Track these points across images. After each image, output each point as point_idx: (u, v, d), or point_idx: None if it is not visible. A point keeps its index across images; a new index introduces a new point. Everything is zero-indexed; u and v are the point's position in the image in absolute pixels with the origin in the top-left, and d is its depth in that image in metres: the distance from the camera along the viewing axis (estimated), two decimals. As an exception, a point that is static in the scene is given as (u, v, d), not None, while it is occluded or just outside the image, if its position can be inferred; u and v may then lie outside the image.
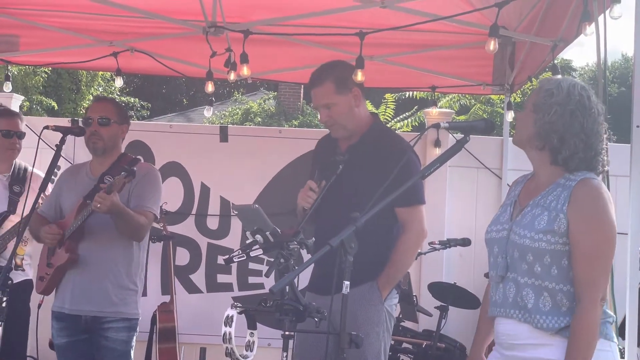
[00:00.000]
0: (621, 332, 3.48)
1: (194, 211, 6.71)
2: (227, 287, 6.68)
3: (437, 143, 6.57)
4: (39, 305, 4.47)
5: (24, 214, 4.36)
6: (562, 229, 2.79)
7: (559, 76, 3.02)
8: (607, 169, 2.97)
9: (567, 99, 2.87)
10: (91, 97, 17.93)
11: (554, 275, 2.81)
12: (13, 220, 4.99)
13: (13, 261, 4.81)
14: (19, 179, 5.12)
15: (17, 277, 4.94)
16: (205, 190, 6.71)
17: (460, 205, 6.61)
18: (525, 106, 2.98)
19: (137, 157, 4.51)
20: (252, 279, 6.65)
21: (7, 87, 6.41)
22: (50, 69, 15.50)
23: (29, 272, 5.13)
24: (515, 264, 2.88)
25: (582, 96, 2.89)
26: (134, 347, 4.41)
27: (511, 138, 3.10)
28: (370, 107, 13.34)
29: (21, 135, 5.12)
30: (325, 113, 3.96)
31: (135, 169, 4.00)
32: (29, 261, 5.15)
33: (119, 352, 4.29)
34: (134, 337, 4.39)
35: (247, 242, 3.33)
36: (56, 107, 16.60)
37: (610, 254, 2.82)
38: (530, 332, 2.84)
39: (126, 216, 4.15)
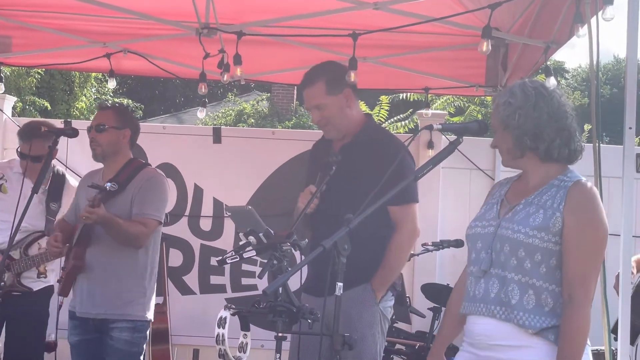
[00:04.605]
0: (614, 331, 3.49)
1: (187, 212, 6.70)
2: (220, 288, 6.67)
3: (430, 145, 6.57)
4: (59, 307, 4.58)
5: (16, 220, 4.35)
6: (557, 228, 2.81)
7: (509, 85, 3.04)
8: (582, 148, 2.98)
9: (524, 98, 2.90)
10: (84, 98, 17.90)
11: (542, 274, 2.82)
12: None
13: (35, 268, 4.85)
14: (56, 192, 5.06)
15: (38, 284, 4.97)
16: (198, 191, 6.71)
17: (453, 207, 6.62)
18: (496, 129, 2.99)
19: (146, 162, 4.60)
20: (245, 281, 6.64)
21: (0, 88, 6.39)
22: (43, 70, 15.46)
23: (51, 278, 5.15)
24: (502, 259, 2.87)
25: (537, 88, 2.94)
26: (143, 350, 4.46)
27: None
28: (364, 108, 13.35)
29: (36, 159, 4.88)
30: (317, 114, 3.98)
31: (109, 187, 4.12)
32: (52, 267, 5.16)
33: (124, 352, 4.35)
34: (143, 339, 4.44)
35: (240, 243, 3.33)
36: (49, 108, 16.56)
37: (602, 254, 2.86)
38: (510, 332, 2.83)
39: (116, 226, 4.23)
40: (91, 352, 4.40)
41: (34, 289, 4.99)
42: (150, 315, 4.46)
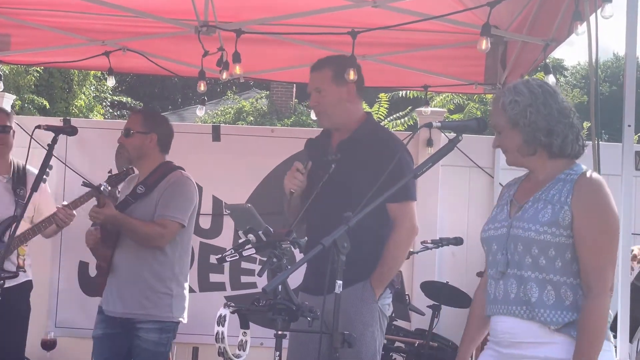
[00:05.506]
0: (613, 328, 3.49)
1: (186, 210, 6.69)
2: (220, 286, 6.67)
3: (429, 142, 6.58)
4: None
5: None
6: (567, 221, 2.80)
7: (511, 84, 3.02)
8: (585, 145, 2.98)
9: (532, 96, 2.90)
10: (83, 96, 17.88)
11: (558, 268, 2.81)
12: (23, 226, 4.94)
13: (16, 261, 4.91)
14: (20, 180, 5.06)
15: (19, 278, 4.96)
16: (197, 189, 6.69)
17: (452, 204, 6.61)
18: (501, 129, 2.97)
19: (178, 165, 4.66)
20: (244, 279, 6.64)
21: (-1, 86, 6.40)
22: (42, 68, 15.44)
23: (29, 272, 5.16)
24: (517, 258, 2.87)
25: (541, 85, 2.94)
26: (169, 349, 4.55)
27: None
28: (364, 106, 13.35)
29: (4, 129, 5.04)
30: (315, 97, 4.00)
31: (102, 187, 4.27)
32: (30, 261, 5.16)
33: (151, 352, 4.42)
34: (170, 339, 4.50)
35: (240, 241, 3.33)
36: (48, 106, 16.53)
37: (617, 242, 2.85)
38: (533, 330, 2.83)
39: (127, 225, 4.38)
40: (115, 347, 4.48)
41: (18, 281, 4.96)
42: (179, 316, 4.51)
